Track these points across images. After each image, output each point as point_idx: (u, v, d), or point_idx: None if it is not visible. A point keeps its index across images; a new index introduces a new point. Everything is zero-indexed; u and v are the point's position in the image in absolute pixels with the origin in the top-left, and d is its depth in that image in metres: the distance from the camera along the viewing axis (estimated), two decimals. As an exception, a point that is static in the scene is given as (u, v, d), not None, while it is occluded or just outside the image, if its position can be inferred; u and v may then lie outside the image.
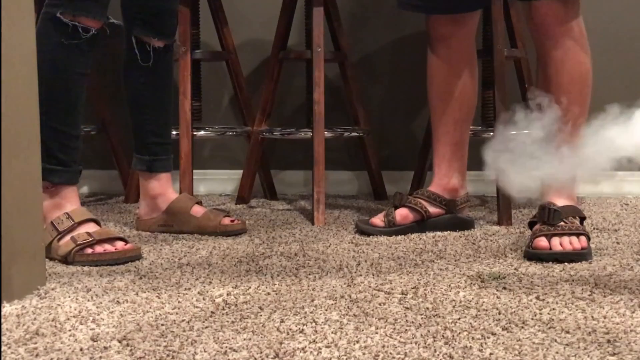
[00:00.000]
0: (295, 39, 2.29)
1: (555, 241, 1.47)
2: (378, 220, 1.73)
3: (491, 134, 2.05)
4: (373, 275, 1.34)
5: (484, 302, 1.17)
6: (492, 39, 2.01)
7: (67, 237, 1.48)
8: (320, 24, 2.01)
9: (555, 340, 0.99)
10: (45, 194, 1.46)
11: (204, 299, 1.19)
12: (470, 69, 1.78)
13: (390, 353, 0.94)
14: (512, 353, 0.94)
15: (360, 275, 1.34)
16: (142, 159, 1.77)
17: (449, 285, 1.26)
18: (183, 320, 1.08)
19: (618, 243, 1.61)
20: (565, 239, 1.47)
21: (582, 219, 1.57)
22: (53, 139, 1.48)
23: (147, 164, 1.77)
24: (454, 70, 1.75)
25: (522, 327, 1.04)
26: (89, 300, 1.18)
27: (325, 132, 2.03)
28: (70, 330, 1.04)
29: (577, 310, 1.12)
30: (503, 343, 0.98)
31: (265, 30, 2.36)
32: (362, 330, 1.03)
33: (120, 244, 1.49)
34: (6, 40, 1.18)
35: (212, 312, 1.12)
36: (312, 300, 1.18)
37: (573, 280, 1.30)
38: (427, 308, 1.13)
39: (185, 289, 1.25)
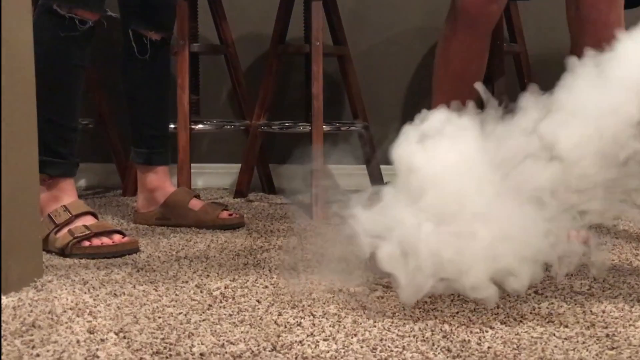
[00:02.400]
0: (294, 33, 2.29)
1: None
2: None
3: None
4: (371, 269, 1.33)
5: (482, 296, 1.16)
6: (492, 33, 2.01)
7: (65, 230, 1.47)
8: (319, 17, 2.00)
9: (554, 334, 0.99)
10: (42, 187, 1.45)
11: (201, 292, 1.18)
12: (485, 58, 1.74)
13: (389, 346, 0.94)
14: (510, 347, 0.94)
15: (359, 268, 1.33)
16: (139, 152, 1.77)
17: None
18: (180, 313, 1.07)
19: (617, 238, 1.61)
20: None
21: None
22: (50, 132, 1.48)
23: (145, 157, 1.76)
24: (472, 54, 1.70)
25: (521, 321, 1.04)
26: (86, 293, 1.18)
27: (324, 127, 2.02)
28: (67, 323, 1.03)
29: (575, 304, 1.12)
30: (501, 337, 0.98)
31: (263, 24, 2.35)
32: (360, 324, 1.03)
33: (117, 237, 1.49)
34: (4, 33, 1.17)
35: (210, 305, 1.11)
36: (310, 294, 1.17)
37: (572, 275, 1.29)
38: (425, 302, 1.13)
39: (183, 282, 1.25)
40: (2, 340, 0.96)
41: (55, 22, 1.46)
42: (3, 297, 1.14)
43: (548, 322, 1.04)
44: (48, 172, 1.48)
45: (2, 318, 1.05)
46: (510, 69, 2.24)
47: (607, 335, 0.98)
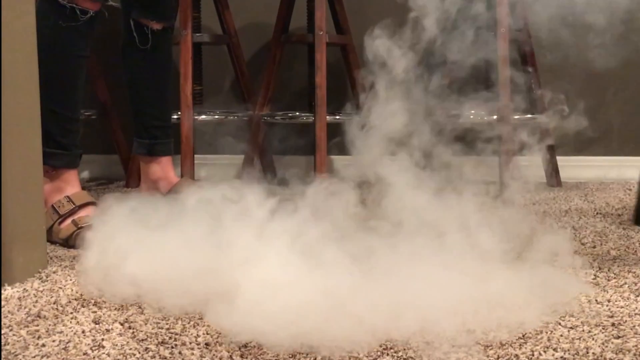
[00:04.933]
0: (297, 22, 2.28)
1: None
2: None
3: (494, 117, 2.04)
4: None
5: (486, 286, 1.16)
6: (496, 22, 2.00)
7: (68, 221, 1.47)
8: (322, 6, 1.99)
9: (560, 324, 0.99)
10: (45, 178, 1.45)
11: (206, 282, 1.18)
12: None
13: (393, 336, 0.94)
14: (515, 336, 0.94)
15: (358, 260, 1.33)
16: (142, 143, 1.76)
17: (452, 270, 1.25)
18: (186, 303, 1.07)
19: (624, 229, 1.60)
20: None
21: None
22: (52, 122, 1.47)
23: (148, 148, 1.76)
24: None
25: (526, 311, 1.04)
26: (90, 284, 1.17)
27: (327, 117, 2.02)
28: (72, 313, 1.03)
29: (581, 294, 1.12)
30: (507, 326, 0.97)
31: (266, 13, 2.34)
32: (363, 316, 1.02)
33: (121, 228, 1.48)
34: (6, 23, 1.17)
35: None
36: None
37: (577, 264, 1.29)
38: (430, 291, 1.12)
39: (187, 272, 1.25)
40: (9, 330, 0.96)
41: (57, 11, 1.45)
42: (8, 288, 1.14)
43: (553, 311, 1.03)
44: (51, 163, 1.48)
45: (8, 309, 1.05)
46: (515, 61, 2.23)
47: (613, 325, 0.98)
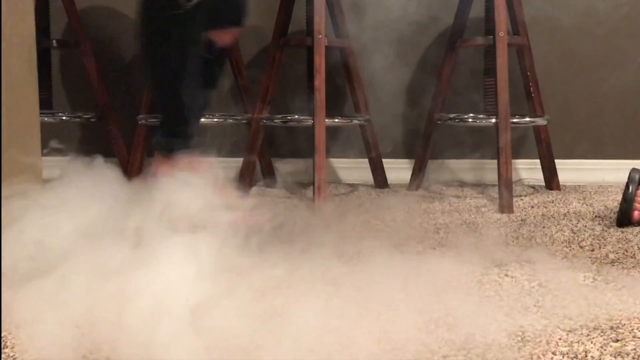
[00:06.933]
0: (296, 25, 2.28)
1: None
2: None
3: (493, 121, 2.05)
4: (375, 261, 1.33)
5: (485, 289, 1.16)
6: (495, 25, 2.01)
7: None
8: (321, 10, 2.00)
9: (558, 327, 0.99)
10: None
11: (205, 285, 1.18)
12: None
13: (393, 339, 0.94)
14: (514, 339, 0.94)
15: (362, 261, 1.33)
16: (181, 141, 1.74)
17: (451, 272, 1.26)
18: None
19: (622, 232, 1.61)
20: None
21: None
22: (177, 111, 1.47)
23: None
24: None
25: (525, 314, 1.04)
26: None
27: (326, 120, 2.02)
28: (71, 316, 1.03)
29: (579, 297, 1.12)
30: (505, 329, 0.97)
31: (265, 16, 2.35)
32: (364, 316, 1.02)
33: (120, 231, 1.48)
34: (6, 23, 1.17)
35: (214, 298, 1.11)
36: (314, 287, 1.17)
37: (575, 268, 1.29)
38: (429, 294, 1.12)
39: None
40: (7, 333, 0.96)
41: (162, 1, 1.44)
42: (7, 290, 1.14)
43: (552, 315, 1.04)
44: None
45: (7, 311, 1.05)
46: (513, 62, 2.23)
47: (612, 328, 0.98)
